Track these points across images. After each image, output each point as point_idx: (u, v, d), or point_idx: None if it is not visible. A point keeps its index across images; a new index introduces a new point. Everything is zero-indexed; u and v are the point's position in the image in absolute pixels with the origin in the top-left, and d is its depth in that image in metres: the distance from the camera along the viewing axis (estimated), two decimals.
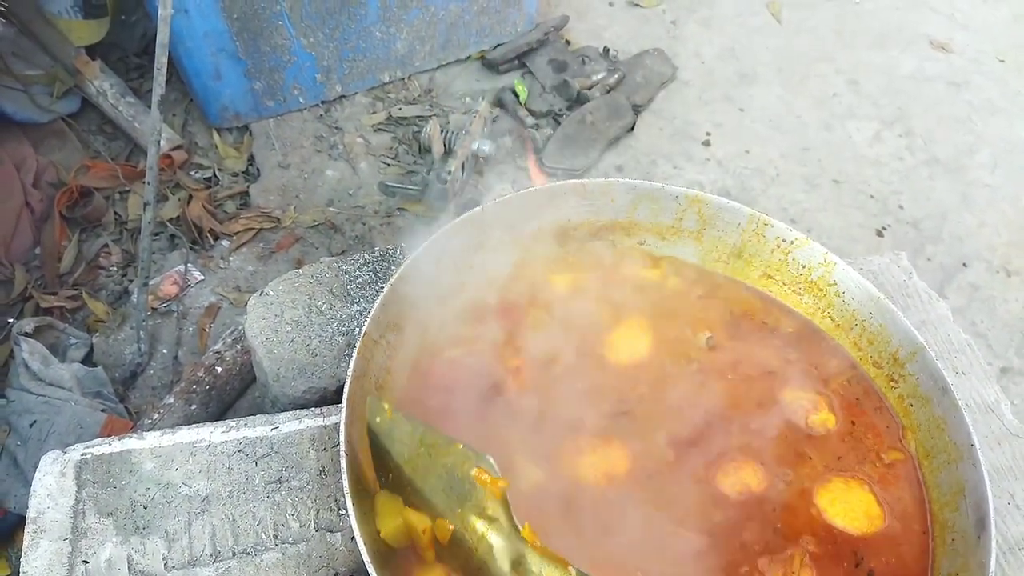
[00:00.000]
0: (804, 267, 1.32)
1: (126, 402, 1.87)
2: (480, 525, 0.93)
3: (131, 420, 1.77)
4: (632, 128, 2.70)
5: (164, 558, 1.14)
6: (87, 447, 1.24)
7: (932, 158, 2.79)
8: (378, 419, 1.05)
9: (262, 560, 1.15)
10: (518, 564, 0.90)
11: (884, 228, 2.52)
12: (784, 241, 1.32)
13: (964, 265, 2.44)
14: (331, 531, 1.19)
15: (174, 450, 1.24)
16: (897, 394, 1.21)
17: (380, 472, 1.07)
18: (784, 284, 1.35)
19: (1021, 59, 3.23)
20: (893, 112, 2.94)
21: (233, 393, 1.77)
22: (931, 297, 1.58)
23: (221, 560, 1.15)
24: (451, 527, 0.95)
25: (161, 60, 1.85)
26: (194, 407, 1.68)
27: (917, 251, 2.45)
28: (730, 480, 1.11)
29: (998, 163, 2.78)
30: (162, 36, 1.86)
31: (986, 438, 1.38)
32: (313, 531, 1.19)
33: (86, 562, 1.13)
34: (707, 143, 2.73)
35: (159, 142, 1.85)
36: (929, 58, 3.20)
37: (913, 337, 1.18)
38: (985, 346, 2.21)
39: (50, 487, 1.19)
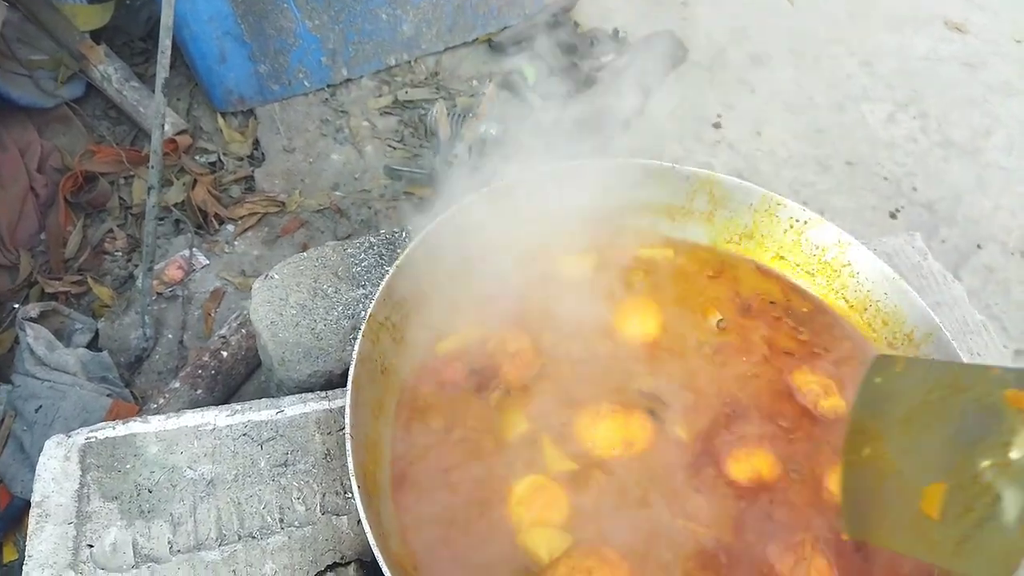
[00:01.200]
0: (818, 247, 1.29)
1: (131, 387, 1.87)
2: (989, 472, 0.80)
3: (137, 405, 1.76)
4: (642, 111, 2.66)
5: (169, 542, 1.13)
6: (91, 431, 1.23)
7: (947, 140, 2.74)
8: (878, 379, 0.96)
9: (268, 543, 1.14)
10: None
11: (898, 210, 2.48)
12: (797, 221, 1.29)
13: (979, 247, 2.40)
14: (337, 514, 1.18)
15: (179, 434, 1.23)
16: None
17: (854, 447, 0.97)
18: (797, 265, 1.32)
19: None
20: (907, 94, 2.89)
21: (239, 378, 1.76)
22: (946, 278, 1.55)
23: (227, 544, 1.14)
24: (944, 487, 0.84)
25: (165, 43, 1.83)
26: (199, 392, 1.67)
27: (931, 233, 2.42)
28: (740, 466, 1.08)
29: (1014, 145, 2.73)
30: (166, 19, 1.84)
31: None
32: (319, 514, 1.17)
33: (91, 546, 1.12)
34: (718, 125, 2.69)
35: (163, 126, 1.84)
36: (944, 39, 3.15)
37: (929, 318, 1.15)
38: (1000, 328, 2.18)
39: (54, 471, 1.18)
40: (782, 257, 1.33)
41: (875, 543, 0.94)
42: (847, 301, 1.28)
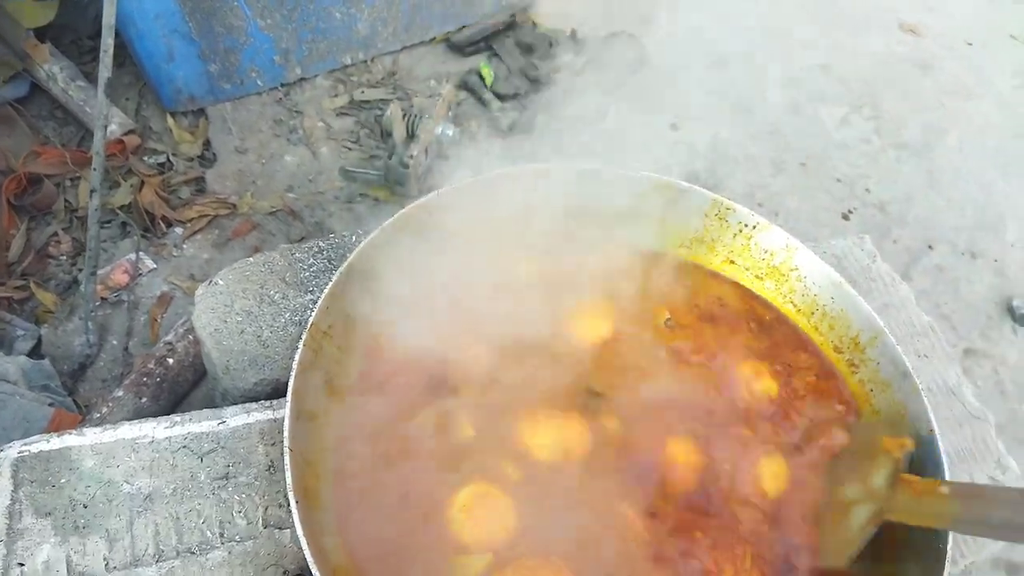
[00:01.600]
0: (766, 252, 1.29)
1: (75, 395, 1.81)
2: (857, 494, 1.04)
3: (80, 414, 1.71)
4: (600, 112, 2.66)
5: (105, 558, 1.10)
6: (24, 444, 1.19)
7: (900, 141, 2.79)
8: None
9: (207, 559, 1.11)
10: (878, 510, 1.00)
11: (850, 211, 2.52)
12: (746, 226, 1.30)
13: (930, 247, 2.44)
14: (280, 528, 1.15)
15: (115, 447, 1.19)
16: (857, 379, 1.20)
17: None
18: (747, 269, 1.33)
19: (989, 41, 3.24)
20: (862, 95, 2.93)
21: (186, 385, 1.72)
22: (894, 280, 1.57)
23: (164, 560, 1.11)
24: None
25: (107, 42, 1.78)
26: (145, 400, 1.63)
27: (883, 234, 2.45)
28: (678, 459, 1.08)
29: (964, 145, 2.79)
30: (108, 17, 1.79)
31: (947, 420, 1.37)
32: (261, 528, 1.14)
33: (22, 564, 1.08)
34: (675, 126, 2.70)
35: (106, 127, 1.79)
36: (899, 41, 3.20)
37: (874, 322, 1.16)
38: (949, 328, 2.22)
39: None
40: (733, 262, 1.34)
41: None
42: (795, 305, 1.28)
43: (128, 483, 1.16)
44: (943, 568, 0.93)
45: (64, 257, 2.10)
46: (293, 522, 0.93)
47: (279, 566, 1.11)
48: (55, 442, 1.20)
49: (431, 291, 1.30)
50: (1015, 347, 2.19)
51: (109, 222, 2.15)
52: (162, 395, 1.67)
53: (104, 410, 1.63)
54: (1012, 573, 1.68)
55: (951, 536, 0.95)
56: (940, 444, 1.04)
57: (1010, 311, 2.26)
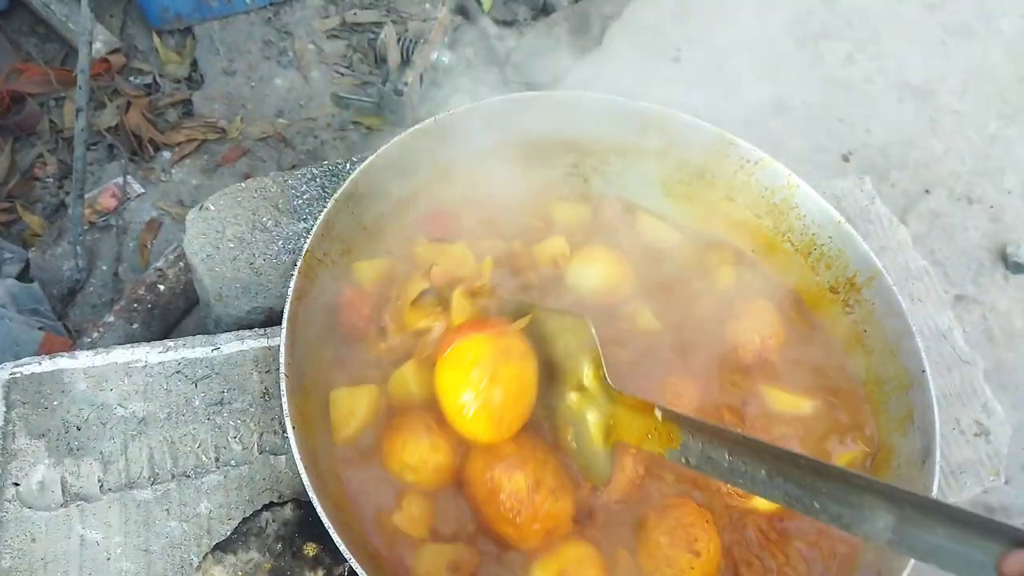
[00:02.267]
0: (767, 189, 1.28)
1: (65, 320, 1.80)
2: (577, 401, 1.00)
3: (70, 338, 1.70)
4: (600, 41, 2.59)
5: (99, 480, 1.11)
6: (16, 366, 1.18)
7: (903, 82, 2.74)
8: None
9: (203, 483, 1.12)
10: (608, 428, 0.97)
11: (850, 152, 2.49)
12: (748, 162, 1.28)
13: (927, 192, 2.43)
14: (275, 454, 1.16)
15: (108, 370, 1.19)
16: (851, 319, 1.20)
17: None
18: (746, 207, 1.31)
19: None
20: (867, 33, 2.87)
21: (177, 312, 1.71)
22: (892, 223, 1.56)
23: (160, 482, 1.12)
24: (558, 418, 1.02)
25: None
26: (136, 326, 1.62)
27: (882, 177, 2.43)
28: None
29: (967, 89, 2.75)
30: None
31: (937, 364, 1.39)
32: (256, 454, 1.15)
33: (17, 484, 1.09)
34: (677, 59, 2.64)
35: (91, 43, 1.72)
36: None
37: (871, 262, 1.16)
38: (942, 274, 2.23)
39: None
40: (731, 199, 1.32)
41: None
42: (792, 244, 1.27)
43: (122, 407, 1.16)
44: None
45: (50, 179, 2.06)
46: (289, 448, 0.93)
47: (274, 490, 1.12)
48: (47, 364, 1.19)
49: (426, 221, 1.29)
50: (1006, 294, 2.21)
51: (95, 144, 2.10)
52: (153, 321, 1.66)
53: (95, 335, 1.62)
54: (988, 513, 1.74)
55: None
56: (932, 385, 1.05)
57: (1003, 258, 2.27)
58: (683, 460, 0.87)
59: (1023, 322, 2.19)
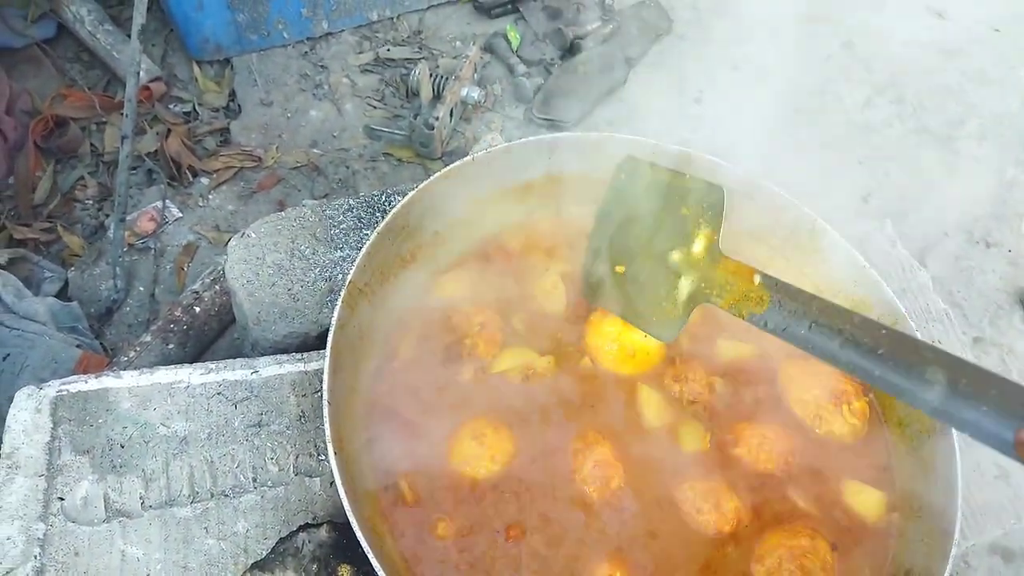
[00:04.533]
0: (792, 232, 1.32)
1: (101, 338, 1.85)
2: (677, 261, 1.08)
3: (106, 357, 1.75)
4: (624, 81, 2.66)
5: (141, 497, 1.14)
6: (63, 383, 1.23)
7: (922, 126, 2.78)
8: (623, 176, 1.19)
9: (240, 502, 1.15)
10: (699, 290, 1.05)
11: (870, 194, 2.52)
12: (774, 205, 1.32)
13: (946, 235, 2.45)
14: (310, 476, 1.19)
15: (152, 390, 1.23)
16: None
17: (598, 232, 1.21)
18: (772, 248, 1.35)
19: (1016, 30, 3.20)
20: (886, 78, 2.91)
21: (211, 334, 1.76)
22: (913, 266, 1.60)
23: (199, 501, 1.15)
24: (648, 267, 1.11)
25: None
26: (171, 346, 1.67)
27: (901, 219, 2.46)
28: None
29: (986, 135, 2.78)
30: None
31: None
32: (292, 475, 1.19)
33: (62, 499, 1.12)
34: (699, 100, 2.70)
35: (138, 73, 1.79)
36: (925, 24, 3.17)
37: (895, 307, 1.19)
38: (961, 316, 2.24)
39: (25, 423, 1.17)
40: (758, 239, 1.35)
41: (600, 306, 1.20)
42: (817, 286, 1.30)
43: (164, 426, 1.20)
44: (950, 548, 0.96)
45: (90, 201, 2.12)
46: (329, 470, 0.97)
47: (309, 512, 1.15)
48: (93, 383, 1.24)
49: (461, 255, 1.34)
50: None
51: (135, 169, 2.16)
52: (188, 342, 1.70)
53: (131, 354, 1.66)
54: (1007, 560, 1.73)
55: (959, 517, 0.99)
56: (954, 429, 1.07)
57: (1021, 301, 2.29)
58: (763, 324, 0.96)
59: None
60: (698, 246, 1.07)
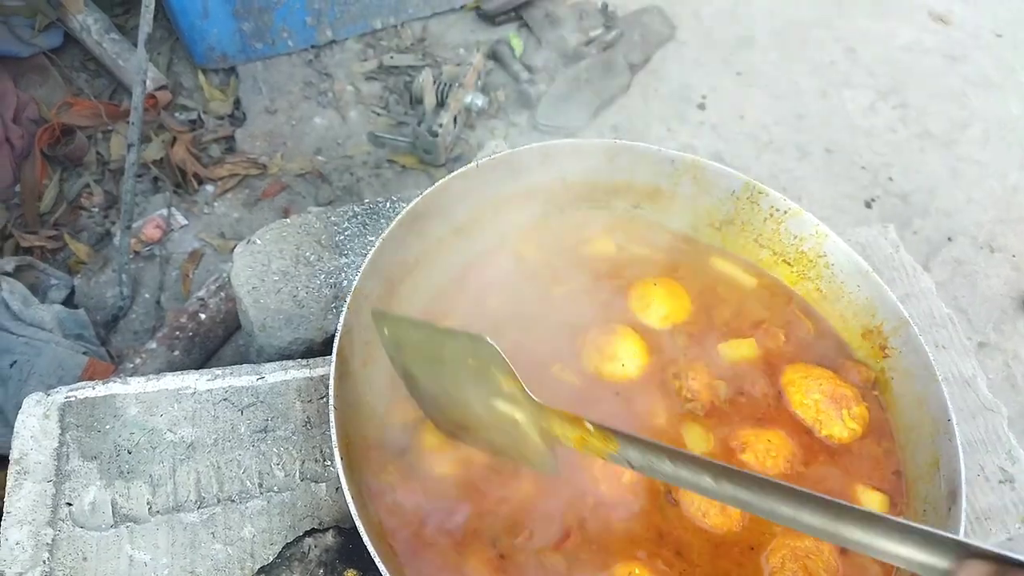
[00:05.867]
0: (796, 237, 1.32)
1: (107, 345, 1.86)
2: (503, 405, 0.97)
3: (113, 363, 1.76)
4: (627, 87, 2.67)
5: (148, 502, 1.15)
6: (71, 390, 1.24)
7: (924, 131, 2.79)
8: (386, 330, 1.06)
9: (247, 507, 1.16)
10: (544, 431, 0.95)
11: (873, 199, 2.53)
12: (777, 211, 1.32)
13: (949, 239, 2.46)
14: (316, 481, 1.20)
15: (159, 396, 1.24)
16: (879, 367, 1.23)
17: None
18: (775, 253, 1.35)
19: (1018, 35, 3.21)
20: (889, 83, 2.93)
21: (216, 340, 1.77)
22: (916, 271, 1.59)
23: (206, 506, 1.15)
24: (480, 416, 1.01)
25: None
26: (177, 353, 1.68)
27: (904, 224, 2.47)
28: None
29: (989, 139, 2.79)
30: None
31: (961, 411, 1.41)
32: (298, 480, 1.19)
33: (70, 504, 1.13)
34: (702, 106, 2.71)
35: (145, 82, 1.81)
36: (927, 30, 3.18)
37: (899, 312, 1.19)
38: (965, 320, 2.25)
39: (33, 429, 1.18)
40: (761, 245, 1.36)
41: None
42: (820, 291, 1.31)
43: (171, 432, 1.21)
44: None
45: (96, 209, 2.14)
46: (336, 475, 0.97)
47: (314, 517, 1.16)
48: (100, 389, 1.24)
49: (464, 263, 1.34)
50: None
51: (141, 177, 2.18)
52: (194, 349, 1.71)
53: (137, 361, 1.67)
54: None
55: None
56: (957, 433, 1.07)
57: None
58: (626, 463, 0.87)
59: None
60: (510, 393, 0.95)
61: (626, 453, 0.86)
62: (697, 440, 1.14)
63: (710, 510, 1.07)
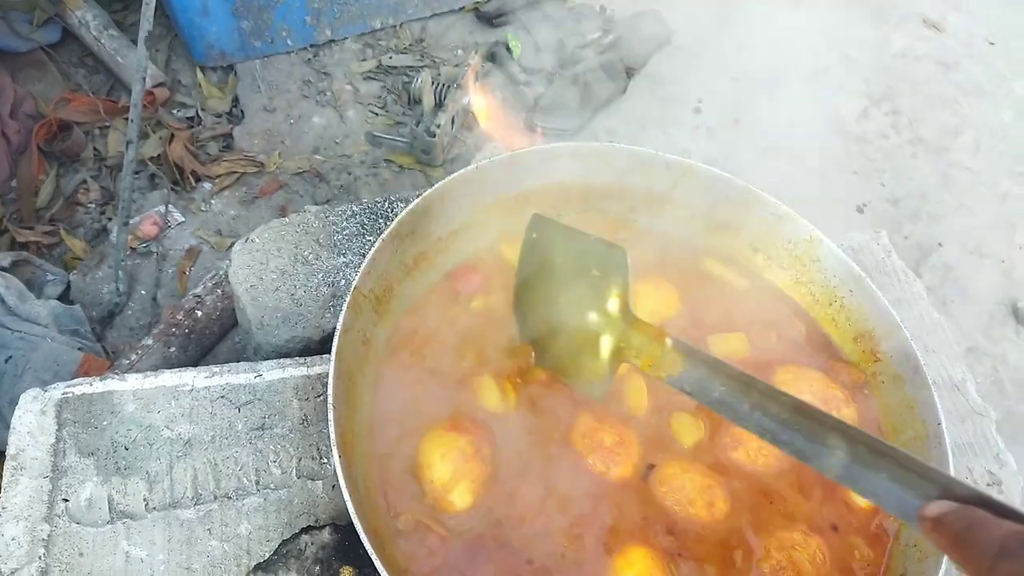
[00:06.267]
0: (790, 242, 1.33)
1: (103, 341, 1.86)
2: (597, 321, 1.04)
3: (108, 360, 1.76)
4: (624, 91, 2.68)
5: (145, 499, 1.15)
6: (68, 386, 1.24)
7: (916, 137, 2.81)
8: (535, 235, 1.14)
9: (243, 504, 1.17)
10: (619, 352, 1.03)
11: (865, 205, 2.55)
12: (773, 216, 1.33)
13: (940, 245, 2.48)
14: (312, 479, 1.20)
15: (156, 393, 1.25)
16: (870, 371, 1.24)
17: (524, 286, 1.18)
18: (769, 257, 1.37)
19: (1011, 43, 3.24)
20: (882, 89, 2.95)
21: (212, 337, 1.77)
22: (908, 276, 1.61)
23: (202, 503, 1.16)
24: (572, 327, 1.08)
25: None
26: (173, 350, 1.68)
27: (895, 229, 2.49)
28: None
29: (980, 146, 2.82)
30: None
31: (950, 415, 1.42)
32: (295, 478, 1.20)
33: (66, 500, 1.13)
34: (698, 110, 2.73)
35: (144, 79, 1.81)
36: (921, 37, 3.21)
37: (890, 317, 1.21)
38: (954, 326, 2.27)
39: (30, 425, 1.18)
40: (756, 249, 1.38)
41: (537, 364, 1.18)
42: (813, 295, 1.33)
43: (168, 429, 1.21)
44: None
45: (92, 205, 2.14)
46: (333, 473, 0.98)
47: (311, 514, 1.17)
48: (98, 386, 1.25)
49: (464, 264, 1.35)
50: (1016, 347, 2.25)
51: (138, 173, 2.18)
52: (190, 346, 1.72)
53: (133, 357, 1.68)
54: None
55: None
56: (947, 437, 1.09)
57: (1014, 312, 2.31)
58: (680, 386, 0.95)
59: None
60: (612, 308, 1.04)
61: (686, 376, 0.95)
62: (689, 429, 1.15)
63: (697, 499, 1.08)
